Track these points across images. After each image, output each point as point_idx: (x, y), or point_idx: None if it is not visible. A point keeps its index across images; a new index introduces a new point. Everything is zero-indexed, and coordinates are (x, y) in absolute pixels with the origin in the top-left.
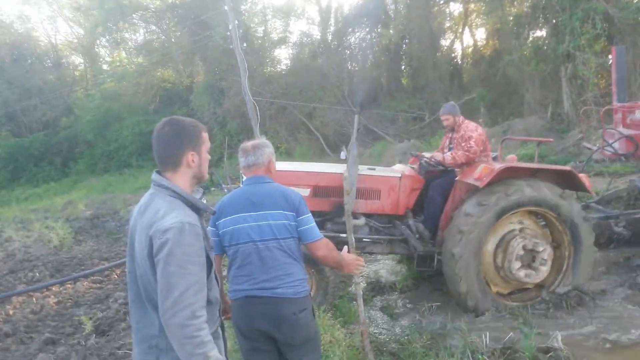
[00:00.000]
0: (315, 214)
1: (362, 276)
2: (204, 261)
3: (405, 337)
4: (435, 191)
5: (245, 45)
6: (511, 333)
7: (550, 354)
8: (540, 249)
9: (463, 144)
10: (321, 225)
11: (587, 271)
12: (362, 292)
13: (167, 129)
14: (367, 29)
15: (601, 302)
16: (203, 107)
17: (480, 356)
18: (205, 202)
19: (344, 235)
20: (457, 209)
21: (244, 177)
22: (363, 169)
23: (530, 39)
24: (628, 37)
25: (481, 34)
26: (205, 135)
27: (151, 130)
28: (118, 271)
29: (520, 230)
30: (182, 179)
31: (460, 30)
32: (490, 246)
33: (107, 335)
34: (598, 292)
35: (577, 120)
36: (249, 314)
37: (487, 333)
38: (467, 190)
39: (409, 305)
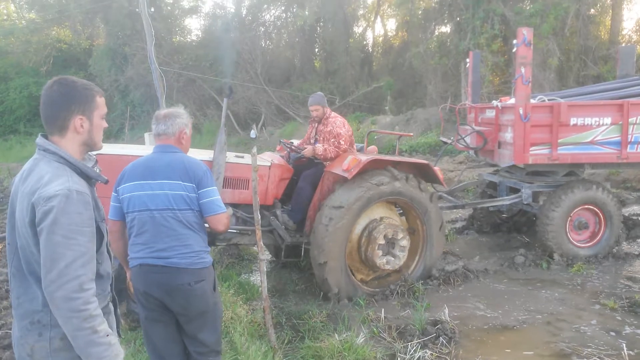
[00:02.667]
0: None
1: (266, 253)
2: (93, 232)
3: (306, 313)
4: (305, 181)
5: (152, 10)
6: (408, 310)
7: (438, 326)
8: (400, 237)
9: (332, 140)
10: None
11: (438, 253)
12: (265, 269)
13: (55, 87)
14: (283, 8)
15: (484, 279)
16: (103, 72)
17: (375, 329)
18: (98, 170)
19: None
20: (325, 199)
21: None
22: (230, 157)
23: (436, 33)
24: None
25: (392, 24)
26: (100, 100)
27: None
28: (0, 246)
29: (381, 219)
30: (70, 145)
31: (372, 18)
32: (355, 236)
33: None
34: (482, 271)
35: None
36: (144, 282)
37: (383, 309)
38: (335, 181)
39: (311, 282)
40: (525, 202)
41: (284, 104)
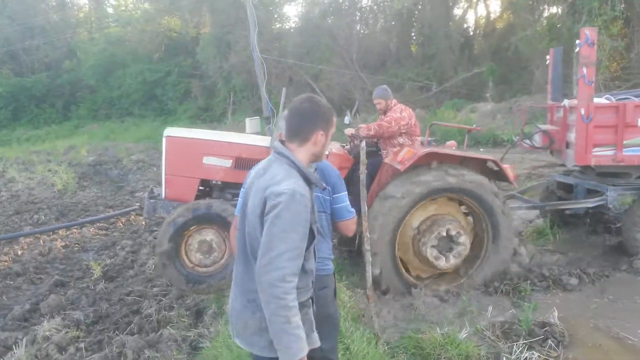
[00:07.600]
0: (238, 185)
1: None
2: (306, 232)
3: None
4: None
5: None
6: (512, 309)
7: (545, 329)
8: (455, 234)
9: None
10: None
11: (505, 259)
12: (370, 259)
13: (306, 105)
14: None
15: (604, 283)
16: (209, 59)
17: (478, 326)
18: (317, 176)
19: None
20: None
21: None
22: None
23: (546, 15)
24: None
25: (495, 5)
26: (334, 120)
27: (155, 79)
28: (123, 220)
29: (443, 216)
30: (303, 154)
31: None
32: (411, 231)
33: (115, 282)
34: (600, 275)
35: None
36: None
37: (491, 307)
38: (392, 173)
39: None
40: (610, 205)
41: None
